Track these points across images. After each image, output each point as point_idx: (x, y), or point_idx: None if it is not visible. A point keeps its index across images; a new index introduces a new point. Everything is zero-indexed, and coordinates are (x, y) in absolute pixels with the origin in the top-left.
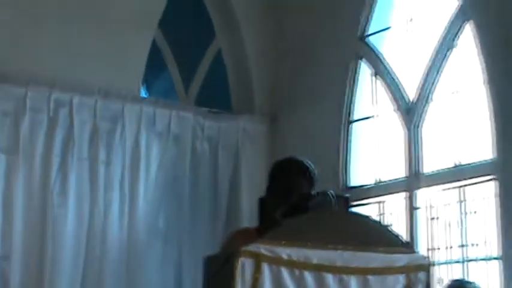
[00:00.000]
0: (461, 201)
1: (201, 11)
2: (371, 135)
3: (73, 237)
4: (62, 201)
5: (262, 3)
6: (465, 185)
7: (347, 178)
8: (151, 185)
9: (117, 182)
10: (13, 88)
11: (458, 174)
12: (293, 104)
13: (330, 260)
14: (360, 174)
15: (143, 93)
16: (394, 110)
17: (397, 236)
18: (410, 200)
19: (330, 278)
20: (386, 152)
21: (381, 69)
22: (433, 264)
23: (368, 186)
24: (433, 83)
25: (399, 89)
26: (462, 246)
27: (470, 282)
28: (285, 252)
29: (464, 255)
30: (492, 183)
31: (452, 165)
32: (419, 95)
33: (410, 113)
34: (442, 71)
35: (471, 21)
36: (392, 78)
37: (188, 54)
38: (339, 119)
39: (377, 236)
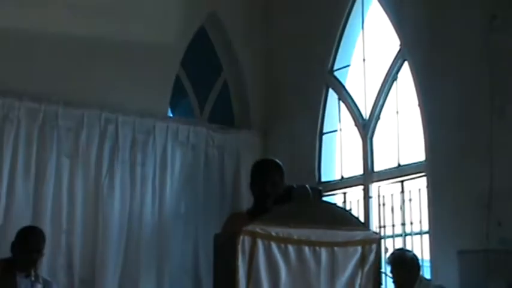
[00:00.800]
0: (402, 192)
1: (211, 51)
2: (337, 143)
3: (118, 220)
4: (110, 193)
5: (257, 47)
6: (405, 180)
7: (320, 175)
8: (175, 181)
9: (150, 179)
10: (74, 110)
11: (400, 171)
12: (280, 120)
13: (306, 236)
14: (329, 172)
15: (170, 114)
16: (354, 125)
17: (356, 218)
18: (366, 191)
19: (306, 249)
20: (348, 155)
21: (344, 95)
22: (382, 238)
23: (335, 181)
24: (381, 105)
25: (357, 110)
26: (403, 224)
27: (409, 251)
28: (274, 230)
29: (404, 231)
30: (424, 178)
31: (396, 165)
32: (372, 114)
33: (365, 127)
34: (387, 96)
35: (408, 60)
36: (353, 101)
37: (202, 84)
38: (314, 131)
39: (341, 218)
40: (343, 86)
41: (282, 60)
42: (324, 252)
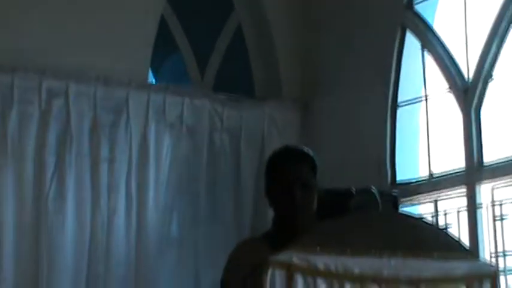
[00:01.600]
0: None
1: None
2: (421, 121)
3: (72, 251)
4: (59, 208)
5: None
6: None
7: (394, 172)
8: (162, 185)
9: (123, 184)
10: None
11: None
12: (327, 87)
13: (374, 269)
14: (409, 167)
15: (151, 79)
16: (448, 91)
17: (455, 240)
18: (471, 196)
19: None
20: (441, 140)
21: (431, 42)
22: (500, 272)
23: (419, 182)
24: (493, 59)
25: (454, 65)
26: None
27: None
28: (321, 260)
29: None
30: None
31: None
32: (478, 72)
33: (468, 93)
34: (504, 44)
35: None
36: (446, 51)
37: (203, 32)
38: (383, 103)
39: (431, 239)
40: (430, 28)
41: None
42: None
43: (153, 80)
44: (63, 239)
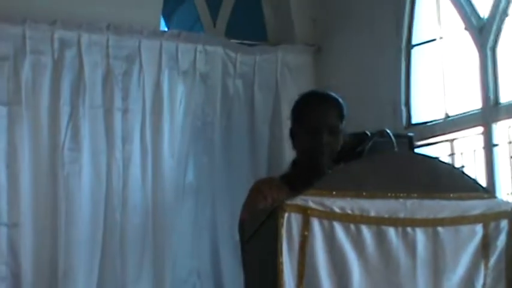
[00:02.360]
0: None
1: None
2: (436, 61)
3: (89, 199)
4: (75, 158)
5: None
6: None
7: (409, 114)
8: (177, 133)
9: (137, 132)
10: (8, 27)
11: None
12: (341, 29)
13: (391, 211)
14: (424, 108)
15: (163, 27)
16: (464, 29)
17: (471, 179)
18: (487, 135)
19: (392, 232)
20: (456, 80)
21: None
22: None
23: (435, 122)
24: None
25: (469, 3)
26: None
27: None
28: (337, 204)
29: None
30: None
31: None
32: (494, 9)
33: (484, 31)
34: None
35: None
36: None
37: None
38: (397, 43)
39: (447, 180)
40: None
41: None
42: (420, 236)
43: (165, 28)
44: (79, 188)
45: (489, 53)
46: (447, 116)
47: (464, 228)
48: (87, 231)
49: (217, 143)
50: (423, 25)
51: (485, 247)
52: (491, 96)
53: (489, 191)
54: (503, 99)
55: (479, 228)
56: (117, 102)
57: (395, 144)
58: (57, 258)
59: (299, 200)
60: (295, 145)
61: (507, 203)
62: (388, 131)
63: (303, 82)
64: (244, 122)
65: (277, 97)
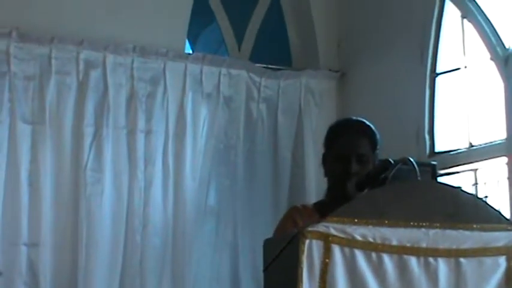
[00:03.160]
0: None
1: None
2: (461, 90)
3: (110, 220)
4: (97, 178)
5: None
6: None
7: (433, 142)
8: (199, 156)
9: (160, 154)
10: (35, 48)
11: None
12: (365, 55)
13: (413, 240)
14: (448, 137)
15: (188, 49)
16: (490, 59)
17: (495, 210)
18: (511, 166)
19: (413, 261)
20: (481, 109)
21: (471, 10)
22: None
23: (459, 151)
24: None
25: (495, 34)
26: None
27: None
28: (358, 231)
29: None
30: None
31: None
32: None
33: (509, 62)
34: None
35: None
36: (486, 20)
37: (240, 1)
38: (422, 72)
39: (470, 210)
40: None
41: None
42: (442, 266)
43: (190, 51)
44: (101, 210)
45: None
46: (471, 145)
47: (488, 260)
48: (107, 252)
49: (239, 167)
50: (448, 54)
51: (509, 280)
52: None
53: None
54: None
55: (502, 261)
56: (141, 124)
57: (418, 172)
58: (76, 279)
59: (321, 227)
60: (325, 172)
61: None
62: (412, 159)
63: (327, 108)
64: (267, 146)
65: (301, 122)
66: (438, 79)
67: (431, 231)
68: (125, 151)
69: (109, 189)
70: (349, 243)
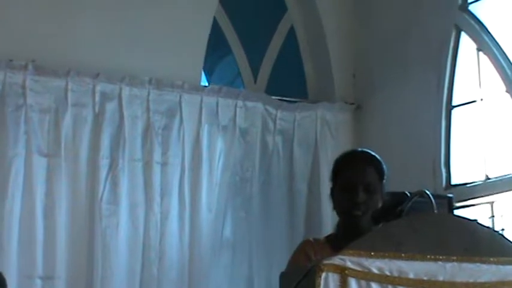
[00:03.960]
0: None
1: None
2: (477, 123)
3: (126, 253)
4: (112, 211)
5: None
6: None
7: (449, 175)
8: (215, 188)
9: (176, 186)
10: (51, 80)
11: None
12: (381, 88)
13: (429, 273)
14: (464, 169)
15: (204, 81)
16: (505, 92)
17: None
18: None
19: None
20: (497, 141)
21: (486, 43)
22: None
23: (475, 184)
24: None
25: (510, 66)
26: None
27: None
28: (375, 264)
29: None
30: None
31: None
32: None
33: None
34: None
35: None
36: (502, 52)
37: (255, 34)
38: (438, 104)
39: (487, 244)
40: (485, 28)
41: None
42: None
43: (206, 83)
44: (117, 242)
45: None
46: (487, 178)
47: None
48: (123, 285)
49: (255, 199)
50: (464, 86)
51: None
52: None
53: None
54: None
55: None
56: (157, 156)
57: (434, 205)
58: None
59: (337, 260)
60: (334, 205)
61: None
62: (428, 192)
63: (343, 140)
64: (283, 178)
65: (316, 154)
66: (454, 111)
67: (448, 265)
68: (141, 183)
69: (125, 221)
70: (366, 276)
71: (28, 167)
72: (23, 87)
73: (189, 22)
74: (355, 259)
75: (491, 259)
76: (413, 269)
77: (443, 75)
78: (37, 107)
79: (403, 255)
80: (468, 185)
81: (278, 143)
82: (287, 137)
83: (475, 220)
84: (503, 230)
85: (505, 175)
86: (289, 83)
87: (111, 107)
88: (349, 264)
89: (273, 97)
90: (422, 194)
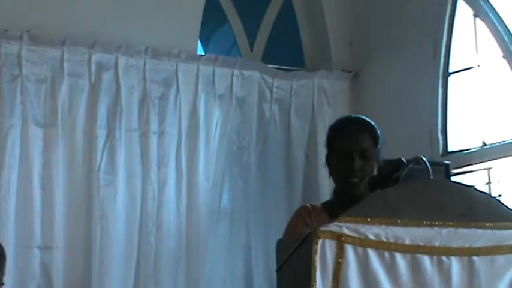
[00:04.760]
0: None
1: None
2: (474, 89)
3: (123, 223)
4: (110, 181)
5: None
6: None
7: (446, 142)
8: (212, 157)
9: (173, 156)
10: (47, 50)
11: None
12: (377, 55)
13: (426, 239)
14: (461, 136)
15: (200, 51)
16: (502, 57)
17: (508, 209)
18: None
19: (427, 260)
20: (494, 108)
21: (483, 9)
22: None
23: (472, 150)
24: None
25: (507, 32)
26: None
27: None
28: (371, 231)
29: None
30: None
31: None
32: None
33: None
34: None
35: None
36: (499, 18)
37: (252, 2)
38: (434, 71)
39: (483, 209)
40: None
41: None
42: (456, 265)
43: (203, 52)
44: (114, 212)
45: None
46: (484, 144)
47: (501, 258)
48: (121, 254)
49: (252, 168)
50: (460, 53)
51: None
52: None
53: None
54: None
55: None
56: (153, 126)
57: (431, 171)
58: (90, 282)
59: (333, 227)
60: (330, 172)
61: None
62: (424, 159)
63: (340, 108)
64: (280, 147)
65: (313, 123)
66: (451, 78)
67: (445, 230)
68: (138, 153)
69: (122, 191)
70: (362, 242)
71: (24, 137)
72: (19, 57)
73: None
74: (351, 226)
75: (488, 224)
76: (410, 235)
77: (440, 42)
78: (33, 77)
79: (399, 221)
80: (465, 152)
81: (275, 111)
82: (284, 106)
83: (472, 186)
84: (500, 196)
85: (502, 141)
86: (286, 52)
87: (107, 76)
88: (345, 231)
89: (270, 66)
90: (418, 160)
